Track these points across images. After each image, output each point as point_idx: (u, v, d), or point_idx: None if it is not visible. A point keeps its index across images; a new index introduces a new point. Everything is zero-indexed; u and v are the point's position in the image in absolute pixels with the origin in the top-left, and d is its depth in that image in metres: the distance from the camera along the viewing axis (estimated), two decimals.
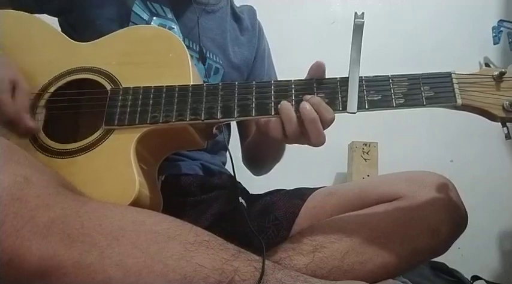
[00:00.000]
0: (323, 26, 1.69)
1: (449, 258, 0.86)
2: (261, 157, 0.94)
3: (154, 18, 0.83)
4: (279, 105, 0.61)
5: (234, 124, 1.02)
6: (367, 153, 1.40)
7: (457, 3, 1.70)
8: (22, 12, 0.74)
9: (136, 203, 0.57)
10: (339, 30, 1.65)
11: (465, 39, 1.65)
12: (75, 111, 0.68)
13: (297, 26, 1.68)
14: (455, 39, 1.65)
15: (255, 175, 1.01)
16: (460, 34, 1.66)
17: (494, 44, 1.56)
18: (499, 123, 0.61)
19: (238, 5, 1.03)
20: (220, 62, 0.89)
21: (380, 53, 1.52)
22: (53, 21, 0.82)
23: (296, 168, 1.20)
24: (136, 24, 0.80)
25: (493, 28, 1.57)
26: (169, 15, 0.84)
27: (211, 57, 0.88)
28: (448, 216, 0.67)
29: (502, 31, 1.54)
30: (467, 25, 1.68)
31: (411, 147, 1.57)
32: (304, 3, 1.71)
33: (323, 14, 1.72)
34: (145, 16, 0.82)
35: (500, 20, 1.57)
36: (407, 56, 1.61)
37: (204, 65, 0.83)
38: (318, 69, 0.63)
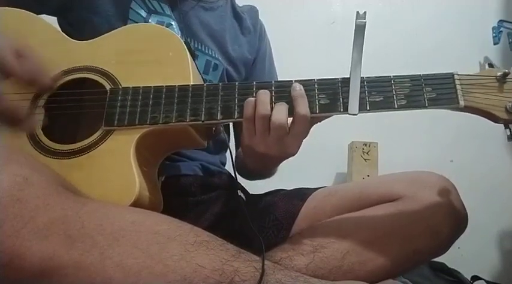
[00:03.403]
0: (323, 26, 1.69)
1: (449, 258, 0.86)
2: (248, 174, 0.93)
3: (152, 15, 0.82)
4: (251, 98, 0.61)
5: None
6: (367, 153, 1.40)
7: (457, 3, 1.70)
8: (21, 10, 0.74)
9: (136, 204, 0.57)
10: (339, 30, 1.65)
11: (465, 39, 1.65)
12: (75, 111, 0.68)
13: (297, 26, 1.68)
14: (455, 39, 1.65)
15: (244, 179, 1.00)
16: (460, 34, 1.66)
17: (494, 44, 1.56)
18: (501, 124, 0.60)
19: (240, 5, 1.02)
20: (219, 58, 0.89)
21: (380, 53, 1.52)
22: (53, 21, 0.82)
23: (296, 168, 1.20)
24: (134, 21, 0.80)
25: (493, 28, 1.57)
26: (168, 12, 0.84)
27: (209, 53, 0.88)
28: (448, 216, 0.67)
29: (502, 31, 1.54)
30: (467, 25, 1.68)
31: (411, 147, 1.57)
32: (304, 4, 1.71)
33: (323, 14, 1.72)
34: (143, 13, 0.82)
35: (500, 20, 1.57)
36: (407, 56, 1.61)
37: (194, 60, 0.82)
38: None
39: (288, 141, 0.61)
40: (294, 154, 0.64)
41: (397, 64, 1.58)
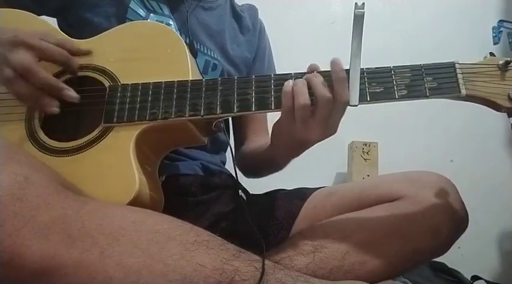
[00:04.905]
0: (323, 26, 1.69)
1: (449, 258, 0.85)
2: (261, 169, 0.92)
3: (151, 15, 0.83)
4: (287, 86, 0.60)
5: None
6: (367, 153, 1.40)
7: (457, 3, 1.70)
8: (21, 10, 0.74)
9: (136, 200, 0.57)
10: (339, 30, 1.65)
11: (465, 39, 1.65)
12: (74, 109, 0.68)
13: (297, 26, 1.68)
14: (455, 39, 1.65)
15: (246, 177, 0.99)
16: (460, 34, 1.66)
17: (494, 44, 1.56)
18: (501, 122, 0.60)
19: (239, 4, 1.02)
20: (218, 58, 0.89)
21: (380, 53, 1.51)
22: (52, 23, 0.82)
23: (296, 168, 1.20)
24: (133, 21, 0.80)
25: (493, 28, 1.57)
26: (166, 12, 0.84)
27: (208, 53, 0.88)
28: (448, 216, 0.67)
29: (502, 31, 1.55)
30: (467, 25, 1.68)
31: (411, 147, 1.57)
32: (304, 3, 1.71)
33: (323, 14, 1.72)
34: (142, 13, 0.82)
35: (500, 20, 1.57)
36: (407, 56, 1.59)
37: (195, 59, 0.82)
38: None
39: (330, 121, 0.61)
40: (333, 133, 0.63)
41: (397, 64, 1.57)
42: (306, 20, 1.70)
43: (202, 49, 0.87)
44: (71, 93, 0.62)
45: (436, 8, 1.70)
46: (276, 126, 0.68)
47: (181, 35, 0.82)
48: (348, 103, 0.59)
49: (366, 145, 1.41)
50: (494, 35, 1.56)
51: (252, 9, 1.03)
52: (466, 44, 1.64)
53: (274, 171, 0.89)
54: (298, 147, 0.68)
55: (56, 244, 0.45)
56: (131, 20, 0.80)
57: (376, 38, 1.57)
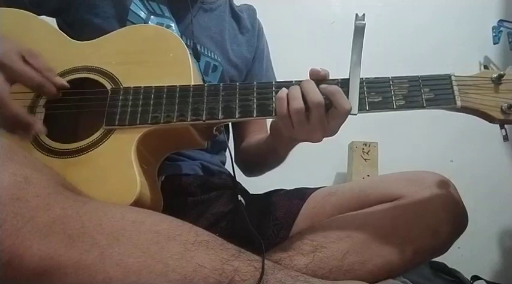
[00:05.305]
0: (323, 26, 1.69)
1: (449, 258, 0.85)
2: (264, 162, 0.93)
3: (152, 16, 0.83)
4: (281, 92, 0.61)
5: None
6: (367, 153, 1.40)
7: (457, 3, 1.70)
8: (22, 10, 0.74)
9: (137, 203, 0.57)
10: (339, 30, 1.65)
11: (465, 39, 1.65)
12: (75, 111, 0.68)
13: (297, 26, 1.68)
14: (455, 39, 1.65)
15: (246, 176, 1.00)
16: (460, 34, 1.66)
17: (494, 43, 1.56)
18: (497, 124, 0.61)
19: (238, 4, 1.02)
20: (219, 60, 0.89)
21: (380, 53, 1.52)
22: (52, 22, 0.82)
23: (296, 168, 1.20)
24: (133, 22, 0.80)
25: (493, 28, 1.57)
26: (167, 14, 0.84)
27: (209, 54, 0.88)
28: (448, 216, 0.67)
29: (502, 31, 1.54)
30: (467, 25, 1.68)
31: (411, 147, 1.57)
32: (304, 3, 1.71)
33: (323, 14, 1.72)
34: (142, 14, 0.82)
35: (500, 20, 1.57)
36: (407, 56, 1.61)
37: (198, 62, 0.83)
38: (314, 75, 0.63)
39: (329, 126, 0.61)
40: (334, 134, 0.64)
41: (397, 64, 1.58)
42: (306, 20, 1.70)
43: (202, 50, 0.87)
44: (40, 127, 0.62)
45: (436, 8, 1.70)
46: (274, 127, 0.68)
47: (182, 38, 0.82)
48: (349, 112, 0.60)
49: (366, 145, 1.41)
50: (494, 34, 1.56)
51: (251, 10, 1.03)
52: (466, 43, 1.64)
53: (276, 163, 0.89)
54: (298, 142, 0.69)
55: (56, 244, 0.45)
56: (132, 22, 0.80)
57: (376, 38, 1.57)
